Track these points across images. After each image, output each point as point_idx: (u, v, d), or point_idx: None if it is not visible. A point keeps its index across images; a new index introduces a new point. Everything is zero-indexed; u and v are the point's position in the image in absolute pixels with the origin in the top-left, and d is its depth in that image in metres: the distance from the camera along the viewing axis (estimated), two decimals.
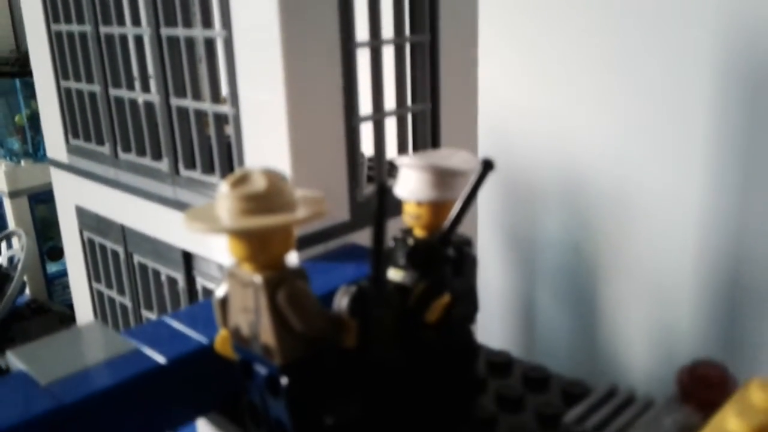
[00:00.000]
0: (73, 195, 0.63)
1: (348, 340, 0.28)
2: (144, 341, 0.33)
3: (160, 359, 0.32)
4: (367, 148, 0.48)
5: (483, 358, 0.34)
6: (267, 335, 0.27)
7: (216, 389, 0.33)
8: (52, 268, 1.25)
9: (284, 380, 0.27)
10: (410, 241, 0.31)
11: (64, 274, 1.22)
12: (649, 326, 0.74)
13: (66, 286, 1.23)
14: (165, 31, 0.47)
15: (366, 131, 0.46)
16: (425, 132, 0.51)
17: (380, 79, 0.47)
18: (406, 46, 0.49)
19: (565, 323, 0.81)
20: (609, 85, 0.72)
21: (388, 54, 0.48)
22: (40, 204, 1.19)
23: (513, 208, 0.83)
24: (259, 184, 0.26)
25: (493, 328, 0.87)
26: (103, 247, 0.61)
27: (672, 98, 0.68)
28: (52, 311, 1.12)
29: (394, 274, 0.30)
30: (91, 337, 0.35)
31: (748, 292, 0.66)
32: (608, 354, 0.77)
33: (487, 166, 0.29)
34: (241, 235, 0.27)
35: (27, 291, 1.19)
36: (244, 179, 0.27)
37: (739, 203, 0.66)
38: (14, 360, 0.32)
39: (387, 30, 0.47)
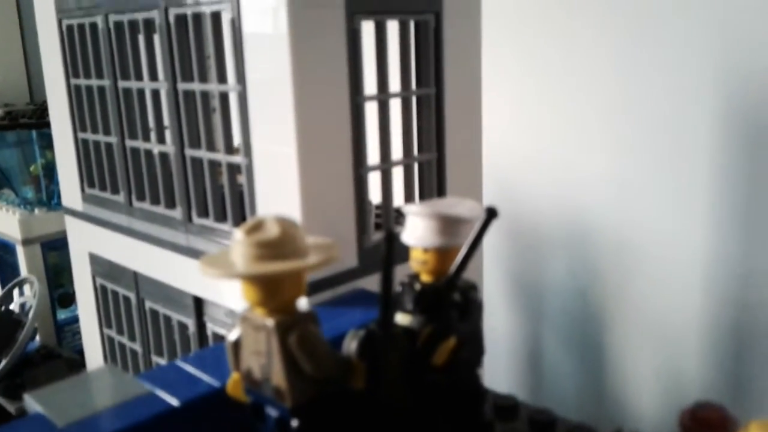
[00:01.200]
0: (87, 242, 0.64)
1: (357, 383, 0.29)
2: (157, 384, 0.34)
3: (174, 401, 0.32)
4: (374, 196, 0.49)
5: (490, 401, 0.35)
6: (278, 378, 0.28)
7: (228, 431, 0.33)
8: (62, 314, 1.25)
9: (295, 422, 0.28)
10: (417, 286, 0.32)
11: (73, 320, 1.23)
12: (654, 369, 0.74)
13: (75, 333, 1.23)
14: (181, 86, 0.49)
15: (374, 180, 0.48)
16: (431, 181, 0.52)
17: (387, 130, 0.48)
18: (412, 98, 0.51)
19: (571, 367, 0.81)
20: (613, 132, 0.73)
21: (395, 105, 0.49)
22: (52, 251, 1.20)
23: (518, 254, 0.84)
24: (272, 231, 0.27)
25: (499, 371, 0.87)
26: (115, 293, 0.62)
27: (676, 145, 0.69)
28: (61, 357, 1.12)
29: (402, 319, 0.31)
30: (105, 380, 0.36)
31: (753, 336, 0.66)
32: (614, 397, 0.77)
33: (491, 213, 0.30)
34: (254, 280, 0.28)
35: (37, 337, 1.20)
36: (258, 227, 0.28)
37: (743, 247, 0.66)
38: (32, 402, 0.32)
39: (394, 83, 0.49)
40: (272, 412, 0.29)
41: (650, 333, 0.74)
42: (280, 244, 0.27)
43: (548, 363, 0.83)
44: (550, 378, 0.84)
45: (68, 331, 1.25)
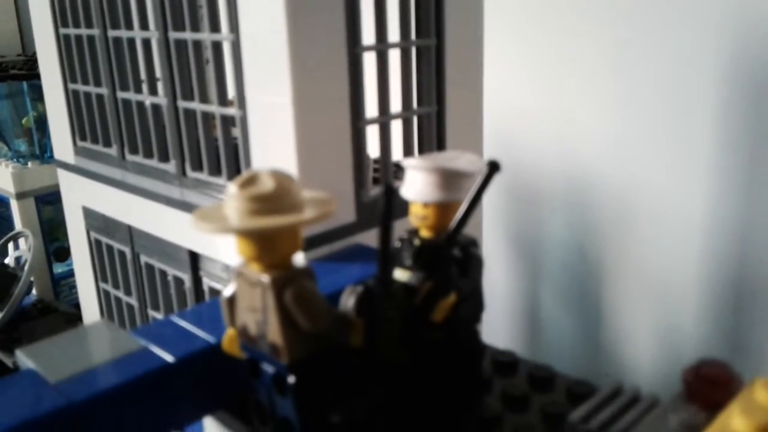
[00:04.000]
0: (81, 196, 0.64)
1: (354, 340, 0.28)
2: (152, 340, 0.33)
3: (168, 358, 0.32)
4: (373, 150, 0.48)
5: (489, 357, 0.34)
6: (274, 334, 0.27)
7: (223, 388, 0.33)
8: (58, 268, 1.25)
9: (291, 379, 0.28)
10: (416, 242, 0.31)
11: (70, 274, 1.23)
12: (653, 326, 0.74)
13: (72, 287, 1.23)
14: (173, 35, 0.47)
15: (372, 133, 0.47)
16: (431, 134, 0.51)
17: (386, 82, 0.47)
18: (412, 49, 0.49)
19: (571, 323, 0.81)
20: (614, 87, 0.72)
21: (394, 57, 0.48)
22: (47, 205, 1.20)
23: (518, 210, 0.83)
24: (267, 185, 0.27)
25: (498, 327, 0.87)
26: (110, 248, 0.62)
27: (676, 101, 0.68)
28: (58, 311, 1.12)
29: (401, 275, 0.31)
30: (99, 335, 0.35)
31: (752, 293, 0.67)
32: (613, 354, 0.78)
33: (493, 167, 0.29)
34: (249, 235, 0.27)
35: (34, 291, 1.20)
36: (252, 180, 0.27)
37: (743, 205, 0.66)
38: (24, 358, 0.32)
39: (393, 34, 0.48)
40: (268, 368, 0.28)
41: (649, 289, 0.74)
42: (275, 198, 0.26)
43: (547, 319, 0.84)
44: (550, 334, 0.84)
45: (65, 285, 1.25)
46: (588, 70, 0.74)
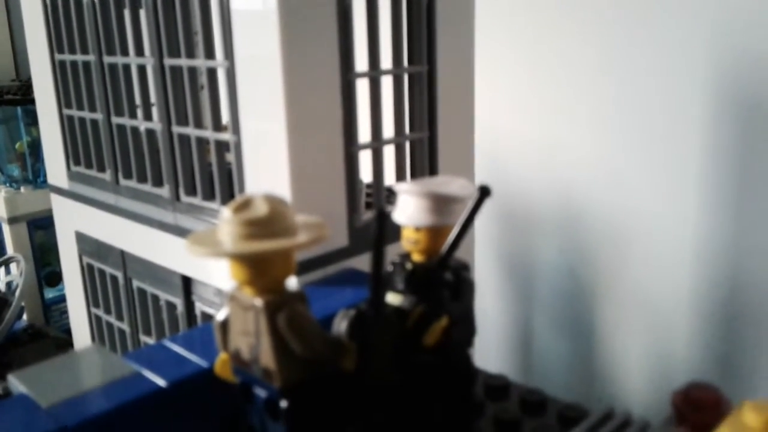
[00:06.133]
0: (74, 221, 0.64)
1: (347, 364, 0.28)
2: (144, 364, 0.33)
3: (161, 382, 0.32)
4: (366, 175, 0.48)
5: (481, 381, 0.34)
6: (267, 358, 0.28)
7: (216, 412, 0.33)
8: (49, 293, 1.25)
9: (284, 403, 0.28)
10: (408, 266, 0.32)
11: (61, 299, 1.22)
12: (645, 349, 0.74)
13: (63, 312, 1.22)
14: (168, 62, 0.48)
15: (365, 158, 0.47)
16: (423, 159, 0.51)
17: (379, 108, 0.48)
18: (404, 76, 0.50)
19: (562, 347, 0.81)
20: (605, 112, 0.73)
21: (386, 83, 0.49)
22: (39, 230, 1.19)
23: (510, 234, 0.84)
24: (260, 209, 0.27)
25: (490, 352, 0.87)
26: (102, 272, 0.62)
27: (667, 125, 0.69)
28: (49, 337, 1.11)
29: (393, 298, 0.31)
30: (91, 360, 0.35)
31: (743, 316, 0.67)
32: (605, 377, 0.78)
33: (484, 192, 0.29)
34: (242, 259, 0.27)
35: (24, 317, 1.19)
36: (246, 205, 0.27)
37: (734, 228, 0.66)
38: (16, 383, 0.32)
39: (386, 60, 0.48)
40: (261, 392, 0.28)
41: (641, 313, 0.74)
42: (269, 223, 0.27)
43: (539, 343, 0.84)
44: (541, 358, 0.84)
45: (56, 310, 1.24)
46: (580, 96, 0.75)
